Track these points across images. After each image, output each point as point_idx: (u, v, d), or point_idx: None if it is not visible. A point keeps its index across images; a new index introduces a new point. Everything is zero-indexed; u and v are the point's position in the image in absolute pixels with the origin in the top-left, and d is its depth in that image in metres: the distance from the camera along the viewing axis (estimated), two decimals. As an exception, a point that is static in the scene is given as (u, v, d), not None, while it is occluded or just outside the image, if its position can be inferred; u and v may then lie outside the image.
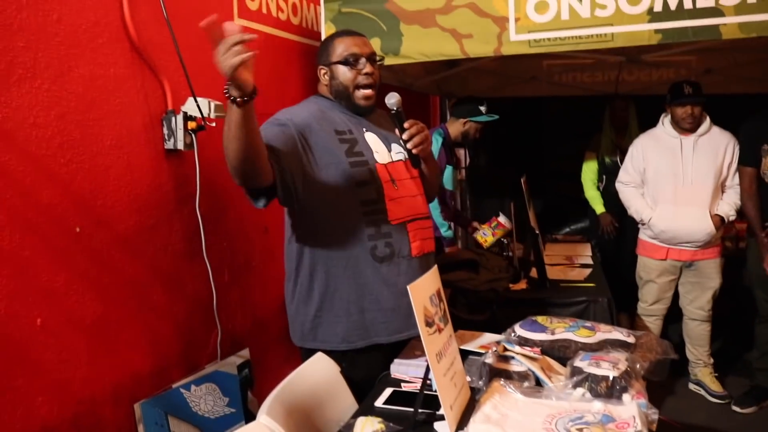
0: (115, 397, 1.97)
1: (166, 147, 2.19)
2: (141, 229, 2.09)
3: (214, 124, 2.22)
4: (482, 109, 3.76)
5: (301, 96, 2.97)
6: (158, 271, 2.17)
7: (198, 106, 2.15)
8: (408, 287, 1.51)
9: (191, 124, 2.17)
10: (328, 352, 2.05)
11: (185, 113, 2.17)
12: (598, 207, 4.71)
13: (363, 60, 2.08)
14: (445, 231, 3.75)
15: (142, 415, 2.04)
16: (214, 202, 2.46)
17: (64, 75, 1.81)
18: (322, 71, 2.14)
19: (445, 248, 3.82)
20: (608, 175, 4.66)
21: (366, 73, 2.08)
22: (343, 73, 2.09)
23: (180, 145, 2.17)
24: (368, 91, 2.10)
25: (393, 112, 2.07)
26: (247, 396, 2.50)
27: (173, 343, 2.24)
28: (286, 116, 2.01)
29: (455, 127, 3.84)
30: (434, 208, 3.65)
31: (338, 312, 2.05)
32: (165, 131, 2.17)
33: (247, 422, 2.42)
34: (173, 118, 2.16)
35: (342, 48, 2.09)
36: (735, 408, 3.56)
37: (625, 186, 3.78)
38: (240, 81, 1.58)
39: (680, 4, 2.42)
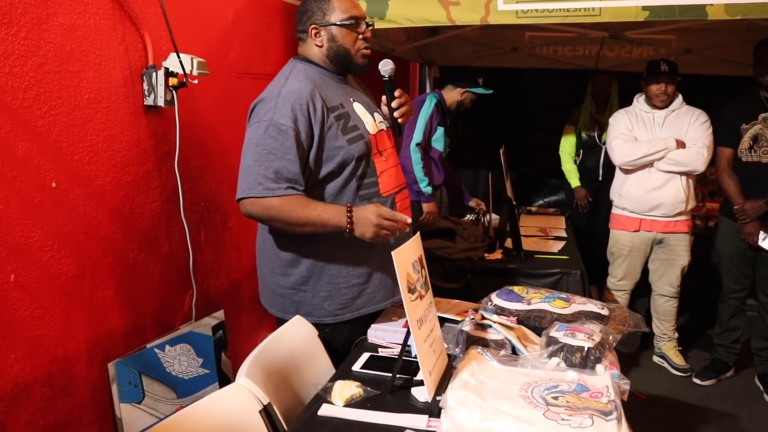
0: (89, 355, 1.95)
1: (145, 103, 2.13)
2: (118, 186, 2.05)
3: (196, 82, 2.17)
4: (480, 81, 3.97)
5: (282, 56, 2.93)
6: (135, 228, 2.14)
7: (180, 62, 2.09)
8: (392, 253, 1.52)
9: (172, 81, 2.11)
10: (313, 324, 2.05)
11: (167, 69, 2.11)
12: (574, 180, 4.77)
13: (363, 24, 2.05)
14: (425, 186, 3.78)
15: (115, 374, 2.03)
16: (193, 161, 2.42)
17: (42, 23, 1.75)
18: (315, 31, 2.03)
19: (423, 205, 3.82)
20: (585, 149, 4.71)
21: (365, 38, 2.06)
22: (345, 35, 2.02)
23: (160, 102, 2.12)
24: (368, 51, 2.08)
25: (386, 79, 2.06)
26: (220, 357, 2.50)
27: (148, 303, 2.22)
28: (285, 113, 1.88)
29: (452, 95, 3.95)
30: (417, 163, 3.72)
31: (325, 287, 2.04)
32: (145, 86, 2.12)
33: (220, 383, 2.43)
34: (154, 74, 2.11)
35: (341, 9, 2.01)
36: (696, 380, 3.68)
37: (626, 141, 3.58)
38: (371, 232, 1.87)
39: (669, -19, 2.42)
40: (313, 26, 2.03)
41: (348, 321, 2.08)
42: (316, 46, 2.05)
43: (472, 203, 4.17)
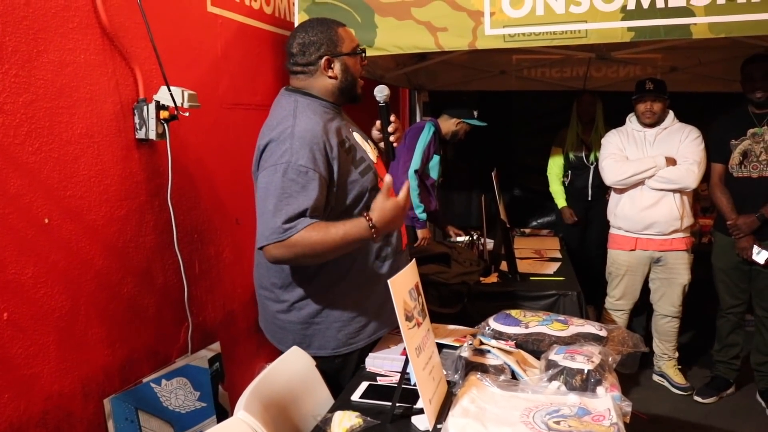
0: (84, 392, 1.93)
1: (137, 136, 2.14)
2: (111, 220, 2.04)
3: (187, 114, 2.18)
4: (475, 113, 4.07)
5: (272, 86, 2.95)
6: (129, 262, 2.12)
7: (171, 95, 2.10)
8: (388, 282, 1.51)
9: (163, 114, 2.12)
10: (325, 357, 2.02)
11: (157, 102, 2.12)
12: (560, 201, 4.80)
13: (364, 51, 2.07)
14: (420, 213, 3.81)
15: (111, 411, 2.00)
16: (186, 193, 2.42)
17: (33, 60, 1.75)
18: (328, 62, 1.97)
19: (417, 231, 3.84)
20: (573, 170, 4.73)
21: (365, 65, 2.08)
22: (355, 64, 2.02)
23: (152, 135, 2.12)
24: (362, 81, 2.09)
25: (381, 105, 2.06)
26: (217, 390, 2.47)
27: (143, 337, 2.20)
28: (304, 154, 1.82)
29: (447, 125, 4.05)
30: (413, 189, 3.76)
31: (338, 318, 2.00)
32: (136, 120, 2.12)
33: (218, 416, 2.40)
34: (145, 107, 2.11)
35: (349, 38, 2.01)
36: (697, 398, 3.66)
37: (615, 161, 3.61)
38: (401, 222, 1.90)
39: (653, 2, 2.45)
40: (326, 58, 1.97)
41: (359, 349, 2.05)
42: (329, 78, 1.99)
43: (449, 231, 4.24)
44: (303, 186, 1.81)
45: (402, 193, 1.84)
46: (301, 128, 1.87)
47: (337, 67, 1.99)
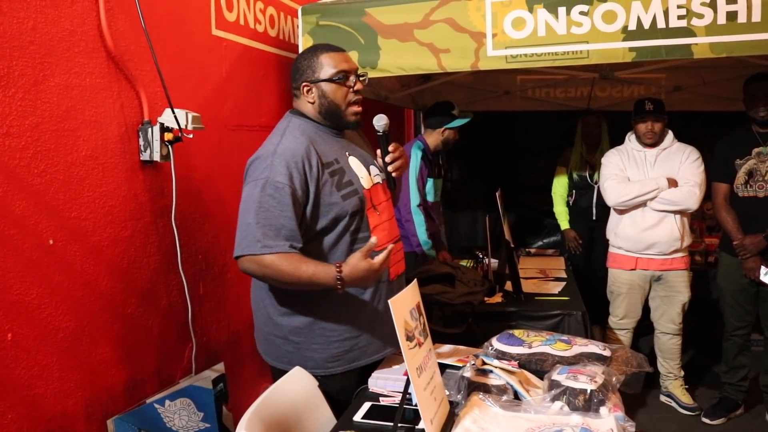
0: (88, 413, 1.93)
1: (141, 158, 2.16)
2: (116, 241, 2.06)
3: (191, 136, 2.20)
4: (454, 113, 3.84)
5: (277, 108, 2.98)
6: (133, 283, 2.14)
7: (175, 117, 2.13)
8: (389, 302, 1.51)
9: (168, 136, 2.15)
10: None
11: (162, 124, 2.15)
12: (563, 223, 4.79)
13: (353, 77, 2.07)
14: (428, 249, 3.75)
15: (115, 431, 2.00)
16: (190, 214, 2.43)
17: (39, 84, 1.78)
18: (307, 88, 2.06)
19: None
20: (578, 190, 4.73)
21: (356, 91, 2.08)
22: (334, 91, 2.04)
23: (156, 157, 2.15)
24: (358, 108, 2.10)
25: (380, 134, 2.08)
26: (221, 411, 2.46)
27: (147, 357, 2.20)
28: (281, 171, 1.89)
29: (434, 138, 3.88)
30: (419, 225, 3.68)
31: (317, 339, 2.03)
32: (141, 142, 2.15)
33: (221, 438, 2.39)
34: (149, 129, 2.14)
35: (330, 65, 2.04)
36: (705, 420, 3.61)
37: (618, 182, 3.61)
38: (372, 283, 1.97)
39: (653, 23, 2.46)
40: (304, 84, 2.05)
41: (340, 374, 2.06)
42: (309, 102, 2.07)
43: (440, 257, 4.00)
44: (279, 201, 1.88)
45: (379, 258, 1.86)
46: (283, 147, 1.95)
47: (314, 92, 2.06)
